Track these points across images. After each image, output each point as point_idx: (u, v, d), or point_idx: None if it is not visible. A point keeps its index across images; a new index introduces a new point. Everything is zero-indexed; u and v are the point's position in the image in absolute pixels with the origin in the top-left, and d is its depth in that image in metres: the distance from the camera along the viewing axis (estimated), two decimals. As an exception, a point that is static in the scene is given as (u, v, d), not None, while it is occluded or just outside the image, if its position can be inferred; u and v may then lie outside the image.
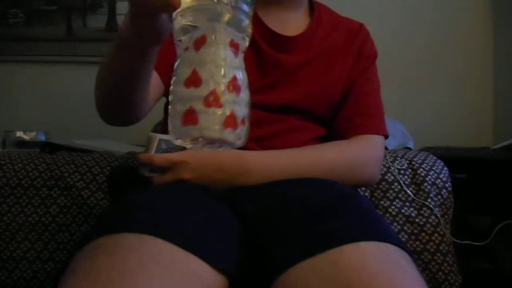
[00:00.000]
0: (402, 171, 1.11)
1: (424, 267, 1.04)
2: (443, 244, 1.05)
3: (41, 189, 1.09)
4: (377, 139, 0.86)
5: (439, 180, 1.11)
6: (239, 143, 0.46)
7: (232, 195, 0.70)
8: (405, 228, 1.06)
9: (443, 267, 1.03)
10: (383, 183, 1.10)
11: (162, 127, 0.84)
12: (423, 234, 1.06)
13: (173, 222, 0.57)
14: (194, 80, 0.44)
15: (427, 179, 1.10)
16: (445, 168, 1.14)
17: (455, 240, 1.08)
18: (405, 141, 1.52)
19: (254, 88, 0.66)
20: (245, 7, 0.46)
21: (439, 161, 1.15)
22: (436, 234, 1.05)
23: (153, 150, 0.75)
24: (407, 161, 1.13)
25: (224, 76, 0.44)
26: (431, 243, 1.05)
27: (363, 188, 1.09)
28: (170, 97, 0.47)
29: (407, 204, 1.08)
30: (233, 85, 0.44)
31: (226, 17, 0.45)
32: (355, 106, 0.88)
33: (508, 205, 1.21)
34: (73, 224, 1.08)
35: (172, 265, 0.50)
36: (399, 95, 1.80)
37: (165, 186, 0.70)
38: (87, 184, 1.09)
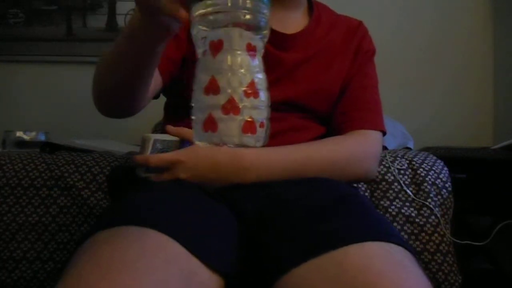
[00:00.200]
0: (402, 171, 1.11)
1: (424, 267, 1.04)
2: (443, 244, 1.05)
3: (41, 189, 1.09)
4: (374, 134, 0.85)
5: (439, 180, 1.10)
6: (259, 144, 0.47)
7: (231, 195, 0.70)
8: (405, 228, 1.06)
9: (443, 267, 1.03)
10: (383, 183, 1.09)
11: (162, 127, 0.84)
12: (423, 234, 1.06)
13: (173, 220, 0.57)
14: (212, 88, 0.45)
15: (427, 179, 1.09)
16: (445, 168, 1.14)
17: (455, 240, 1.08)
18: (405, 141, 1.52)
19: None
20: (263, 8, 0.46)
21: (439, 161, 1.15)
22: (436, 234, 1.05)
23: (149, 150, 0.75)
24: (407, 161, 1.13)
25: (241, 82, 0.45)
26: (431, 243, 1.05)
27: (363, 189, 1.09)
28: (192, 103, 0.47)
29: (407, 204, 1.08)
30: (252, 90, 0.45)
31: (243, 21, 0.45)
32: (352, 100, 0.87)
33: (508, 205, 1.21)
34: (73, 224, 1.08)
35: (171, 259, 0.51)
36: (399, 95, 1.80)
37: (165, 186, 0.70)
38: (87, 184, 1.09)
